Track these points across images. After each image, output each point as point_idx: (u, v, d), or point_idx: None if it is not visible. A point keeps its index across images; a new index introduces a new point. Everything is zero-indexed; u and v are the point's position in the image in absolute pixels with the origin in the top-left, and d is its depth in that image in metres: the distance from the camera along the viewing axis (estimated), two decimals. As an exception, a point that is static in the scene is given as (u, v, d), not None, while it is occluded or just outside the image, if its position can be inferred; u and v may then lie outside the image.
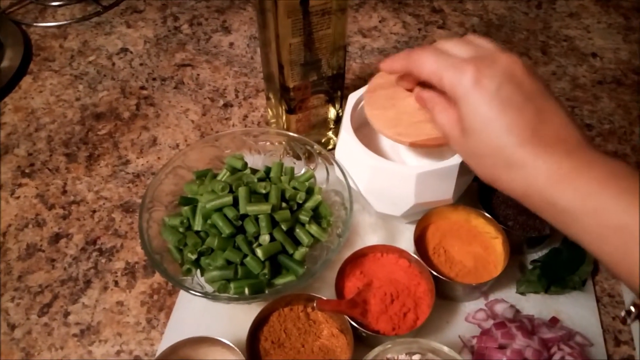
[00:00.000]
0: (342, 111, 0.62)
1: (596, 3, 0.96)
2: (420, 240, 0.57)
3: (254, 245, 0.52)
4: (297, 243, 0.54)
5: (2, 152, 0.72)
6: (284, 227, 0.53)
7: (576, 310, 0.55)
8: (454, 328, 0.54)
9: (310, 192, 0.57)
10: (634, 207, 0.32)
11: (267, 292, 0.52)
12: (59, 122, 0.76)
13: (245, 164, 0.59)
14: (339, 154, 0.59)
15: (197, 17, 0.93)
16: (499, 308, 0.54)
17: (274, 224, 0.53)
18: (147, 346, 0.54)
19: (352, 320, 0.49)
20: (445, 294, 0.54)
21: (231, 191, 0.54)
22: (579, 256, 0.57)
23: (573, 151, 0.36)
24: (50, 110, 0.78)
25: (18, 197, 0.67)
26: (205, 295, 0.50)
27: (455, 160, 0.53)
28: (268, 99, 0.67)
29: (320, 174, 0.60)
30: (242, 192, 0.53)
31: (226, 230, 0.52)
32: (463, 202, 0.58)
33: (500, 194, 0.62)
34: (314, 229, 0.54)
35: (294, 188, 0.56)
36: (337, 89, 0.63)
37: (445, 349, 0.45)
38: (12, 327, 0.56)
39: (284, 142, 0.62)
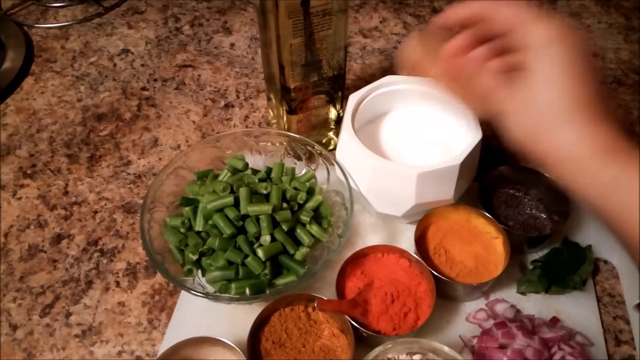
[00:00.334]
0: (343, 112, 0.62)
1: (597, 3, 0.96)
2: (420, 240, 0.57)
3: (255, 245, 0.52)
4: (298, 243, 0.54)
5: (4, 153, 0.72)
6: (284, 228, 0.53)
7: (577, 310, 0.55)
8: (454, 328, 0.54)
9: (311, 192, 0.57)
10: None
11: (268, 292, 0.52)
12: (61, 123, 0.76)
13: (246, 165, 0.59)
14: (339, 154, 0.59)
15: (198, 18, 0.93)
16: (500, 308, 0.54)
17: (274, 224, 0.53)
18: (149, 346, 0.54)
19: (353, 320, 0.49)
20: (445, 294, 0.54)
21: (232, 192, 0.54)
22: (580, 256, 0.57)
23: (620, 132, 0.38)
24: (51, 111, 0.78)
25: (20, 198, 0.67)
26: (207, 295, 0.50)
27: (456, 160, 0.53)
28: (269, 99, 0.67)
29: (321, 175, 0.60)
30: (243, 192, 0.53)
31: (227, 230, 0.52)
32: (464, 202, 0.58)
33: (501, 194, 0.62)
34: (314, 229, 0.54)
35: (295, 188, 0.57)
36: (337, 89, 0.63)
37: (446, 349, 0.45)
38: (14, 327, 0.56)
39: (284, 143, 0.62)
